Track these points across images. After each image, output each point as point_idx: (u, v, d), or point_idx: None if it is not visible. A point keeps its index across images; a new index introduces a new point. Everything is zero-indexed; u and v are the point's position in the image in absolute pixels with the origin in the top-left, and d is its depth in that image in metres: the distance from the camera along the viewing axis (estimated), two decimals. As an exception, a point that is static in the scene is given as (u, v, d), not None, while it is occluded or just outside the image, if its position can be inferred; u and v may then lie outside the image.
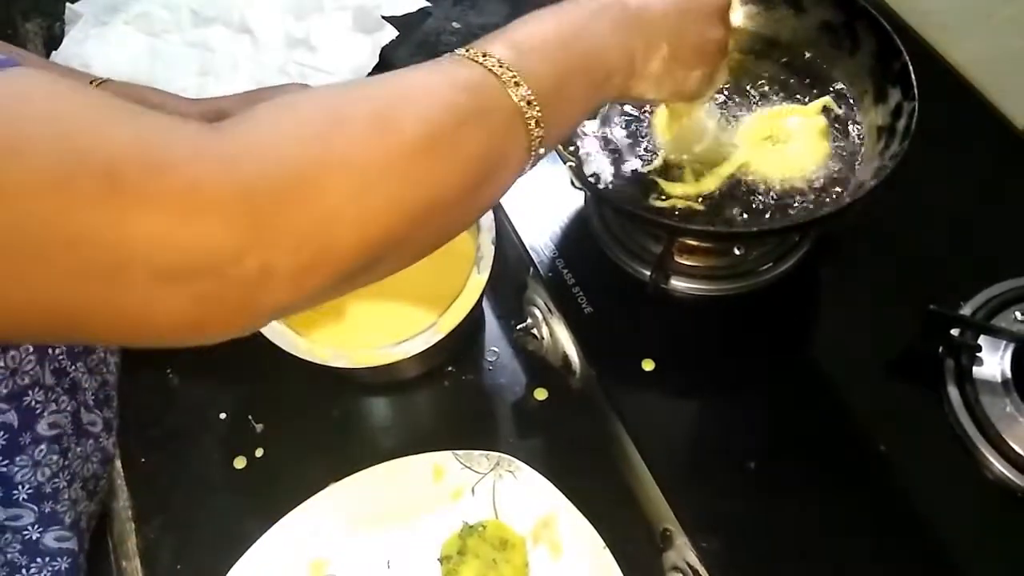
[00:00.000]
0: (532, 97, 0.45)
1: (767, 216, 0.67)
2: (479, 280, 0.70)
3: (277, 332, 0.68)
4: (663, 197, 0.68)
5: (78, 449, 0.65)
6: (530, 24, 0.49)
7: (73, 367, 0.61)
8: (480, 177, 0.43)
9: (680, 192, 0.68)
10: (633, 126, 0.73)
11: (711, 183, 0.68)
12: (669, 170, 0.70)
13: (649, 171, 0.69)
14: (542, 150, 0.47)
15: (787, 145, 0.70)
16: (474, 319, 0.77)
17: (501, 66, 0.45)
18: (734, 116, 0.72)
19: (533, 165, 0.48)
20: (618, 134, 0.72)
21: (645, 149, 0.71)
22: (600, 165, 0.70)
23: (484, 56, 0.45)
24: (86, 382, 0.63)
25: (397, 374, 0.75)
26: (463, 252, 0.72)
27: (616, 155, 0.71)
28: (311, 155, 0.37)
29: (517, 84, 0.44)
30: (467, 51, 0.46)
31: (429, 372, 0.77)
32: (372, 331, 0.71)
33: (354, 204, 0.37)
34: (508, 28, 0.48)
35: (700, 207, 0.67)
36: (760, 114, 0.72)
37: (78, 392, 0.65)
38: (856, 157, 0.70)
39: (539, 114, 0.45)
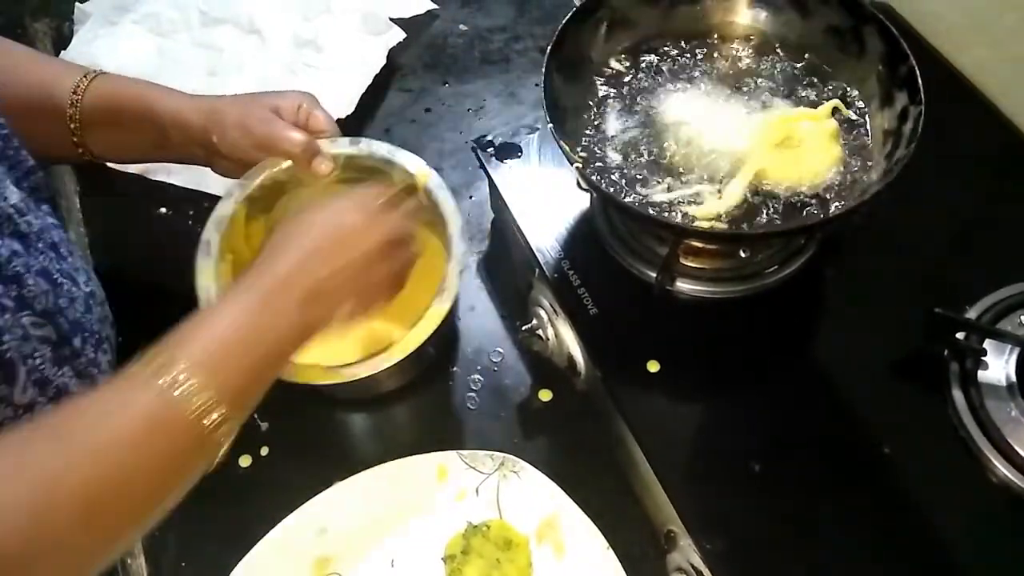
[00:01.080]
0: (218, 409, 0.50)
1: (779, 221, 0.67)
2: (439, 310, 0.68)
3: None
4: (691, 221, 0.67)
5: None
6: (207, 330, 0.53)
7: (59, 373, 0.61)
8: (157, 491, 0.50)
9: (707, 213, 0.67)
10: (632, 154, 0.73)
11: (733, 197, 0.68)
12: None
13: (666, 201, 0.68)
14: (222, 437, 0.52)
15: (799, 150, 0.70)
16: (445, 339, 0.77)
17: (189, 393, 0.49)
18: (742, 122, 0.72)
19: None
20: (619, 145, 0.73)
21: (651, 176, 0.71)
22: (609, 163, 0.71)
23: (172, 382, 0.49)
24: (74, 387, 0.62)
25: (373, 389, 0.75)
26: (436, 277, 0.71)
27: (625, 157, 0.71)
28: None
29: (208, 409, 0.50)
30: (153, 366, 0.50)
31: (431, 374, 0.77)
32: (340, 347, 0.71)
33: None
34: (189, 335, 0.53)
35: (724, 224, 0.67)
36: (768, 118, 0.72)
37: (63, 399, 0.63)
38: (863, 160, 0.70)
39: (223, 414, 0.50)
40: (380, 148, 0.75)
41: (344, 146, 0.74)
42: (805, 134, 0.70)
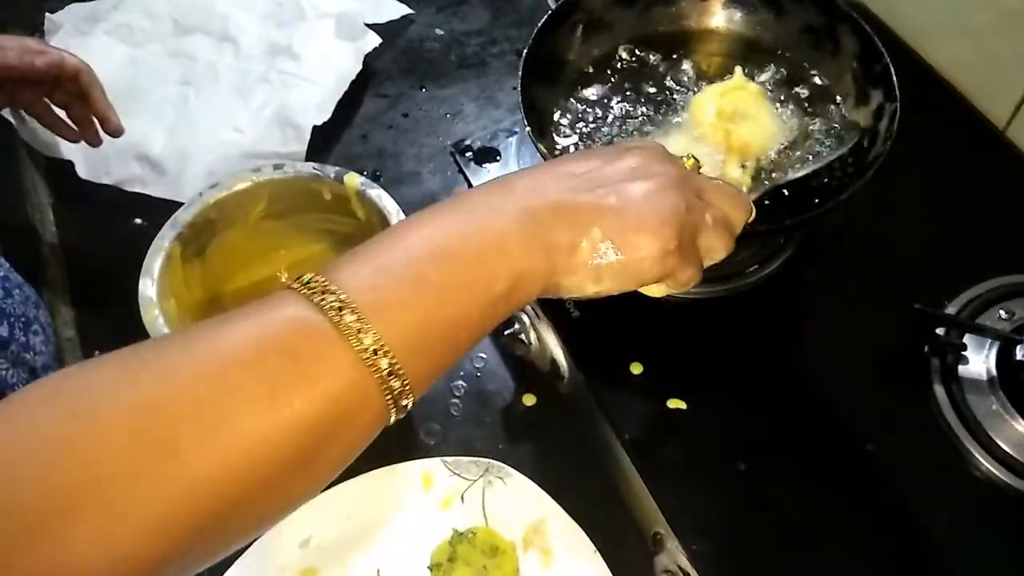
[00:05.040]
0: (383, 346, 0.36)
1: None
2: None
3: None
4: None
5: None
6: (393, 239, 0.40)
7: None
8: (304, 453, 0.35)
9: None
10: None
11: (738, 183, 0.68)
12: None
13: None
14: (407, 401, 0.38)
15: (745, 120, 0.70)
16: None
17: (342, 309, 0.36)
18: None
19: (403, 415, 0.39)
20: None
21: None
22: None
23: (323, 294, 0.36)
24: (12, 377, 0.61)
25: None
26: None
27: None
28: (50, 483, 0.31)
29: (360, 332, 0.35)
30: (306, 282, 0.38)
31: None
32: None
33: (108, 538, 0.31)
34: (366, 247, 0.40)
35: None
36: (695, 99, 0.73)
37: (5, 391, 0.62)
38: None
39: (395, 364, 0.36)
40: (305, 167, 0.73)
41: (268, 173, 0.73)
42: (743, 103, 0.71)
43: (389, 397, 0.37)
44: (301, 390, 0.34)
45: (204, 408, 0.33)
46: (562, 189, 0.42)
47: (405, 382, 0.37)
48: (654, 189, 0.43)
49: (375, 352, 0.36)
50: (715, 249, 0.46)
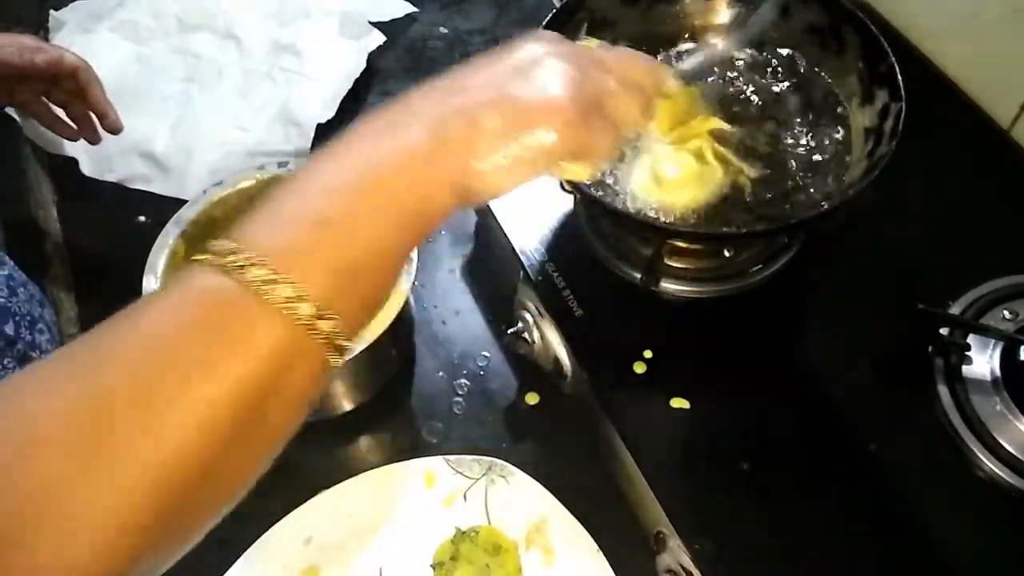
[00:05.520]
0: (301, 293, 0.35)
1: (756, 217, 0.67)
2: (393, 303, 0.66)
3: None
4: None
5: None
6: (292, 185, 0.39)
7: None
8: (252, 414, 0.35)
9: (677, 202, 0.67)
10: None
11: (701, 191, 0.68)
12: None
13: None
14: (345, 342, 0.37)
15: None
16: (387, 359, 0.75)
17: (251, 266, 0.35)
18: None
19: (348, 355, 0.38)
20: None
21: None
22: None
23: (229, 255, 0.35)
24: None
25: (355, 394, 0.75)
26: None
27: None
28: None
29: (274, 284, 0.35)
30: (213, 249, 0.36)
31: (417, 380, 0.76)
32: None
33: (71, 543, 0.30)
34: (268, 200, 0.39)
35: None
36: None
37: None
38: (844, 159, 0.70)
39: (319, 307, 0.35)
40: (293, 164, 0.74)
41: (272, 171, 0.73)
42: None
43: (324, 340, 0.36)
44: (231, 355, 0.34)
45: (139, 395, 0.32)
46: (452, 93, 0.42)
47: (335, 323, 0.36)
48: (545, 68, 0.42)
49: (294, 299, 0.35)
50: (628, 113, 0.45)
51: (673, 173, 0.67)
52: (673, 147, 0.68)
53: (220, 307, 0.35)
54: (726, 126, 0.70)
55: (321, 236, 0.37)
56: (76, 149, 0.90)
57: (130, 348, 0.34)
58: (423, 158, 0.39)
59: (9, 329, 0.62)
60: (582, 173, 0.44)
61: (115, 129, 0.82)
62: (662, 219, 0.66)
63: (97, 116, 0.82)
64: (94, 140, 0.85)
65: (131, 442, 0.32)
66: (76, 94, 0.80)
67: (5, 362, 0.60)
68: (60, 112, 0.83)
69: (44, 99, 0.81)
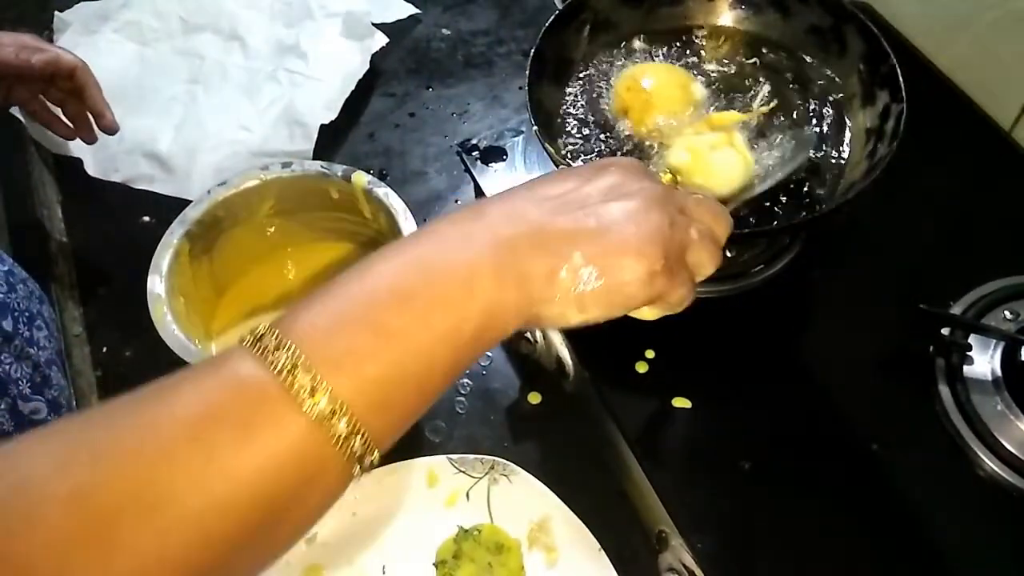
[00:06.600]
0: (341, 405, 0.33)
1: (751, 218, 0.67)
2: None
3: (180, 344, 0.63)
4: None
5: None
6: (354, 280, 0.37)
7: None
8: (261, 523, 0.33)
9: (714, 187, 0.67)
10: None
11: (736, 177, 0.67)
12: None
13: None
14: (372, 458, 0.35)
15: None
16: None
17: (295, 368, 0.33)
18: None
19: (370, 470, 0.36)
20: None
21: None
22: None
23: (276, 351, 0.33)
24: (16, 372, 0.61)
25: None
26: None
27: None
28: None
29: (314, 393, 0.33)
30: (259, 336, 0.34)
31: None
32: None
33: None
34: (326, 290, 0.36)
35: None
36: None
37: (9, 386, 0.63)
38: (844, 160, 0.70)
39: (355, 424, 0.34)
40: (312, 165, 0.73)
41: (276, 171, 0.73)
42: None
43: (351, 458, 0.34)
44: (251, 461, 0.32)
45: (144, 487, 0.31)
46: (537, 213, 0.40)
47: (367, 441, 0.34)
48: (635, 208, 0.40)
49: (332, 413, 0.33)
50: (703, 264, 0.44)
51: (713, 156, 0.67)
52: (701, 136, 0.68)
53: (251, 406, 0.33)
54: (745, 117, 0.71)
55: (375, 345, 0.35)
56: (81, 149, 0.90)
57: (148, 432, 0.32)
58: (499, 280, 0.37)
59: (7, 325, 0.62)
60: (648, 315, 0.44)
61: (111, 129, 0.83)
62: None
63: (94, 116, 0.82)
64: (90, 140, 0.85)
65: (127, 540, 0.30)
66: (73, 93, 0.81)
67: (2, 357, 0.60)
68: (57, 111, 0.83)
69: (41, 98, 0.82)
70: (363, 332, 0.35)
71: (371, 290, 0.36)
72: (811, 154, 0.69)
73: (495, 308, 0.37)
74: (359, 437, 0.34)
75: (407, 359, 0.35)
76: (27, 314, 0.65)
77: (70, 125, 0.84)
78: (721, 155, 0.67)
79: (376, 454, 0.35)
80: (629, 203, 0.41)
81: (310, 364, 0.33)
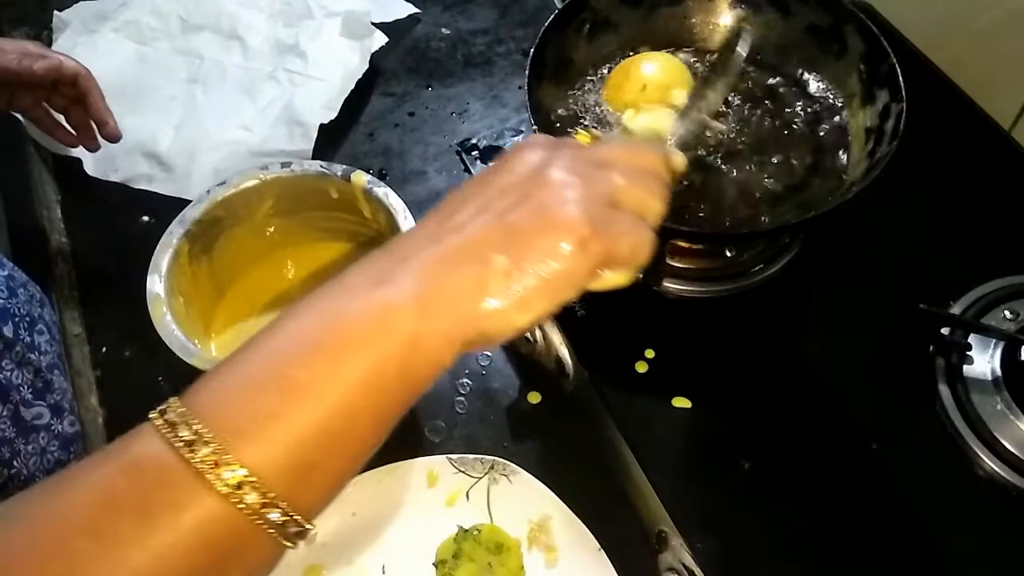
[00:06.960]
0: (247, 478, 0.31)
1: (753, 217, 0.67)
2: None
3: (177, 342, 0.62)
4: None
5: (28, 448, 0.64)
6: (263, 339, 0.35)
7: None
8: None
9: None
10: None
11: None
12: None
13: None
14: (298, 528, 0.33)
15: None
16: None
17: (194, 444, 0.31)
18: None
19: (304, 540, 0.34)
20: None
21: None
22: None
23: (176, 426, 0.32)
24: (17, 378, 0.62)
25: None
26: None
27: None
28: None
29: (218, 467, 0.31)
30: (162, 411, 0.33)
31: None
32: None
33: None
34: (235, 353, 0.34)
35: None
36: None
37: (11, 393, 0.63)
38: (844, 160, 0.70)
39: (268, 495, 0.31)
40: (312, 165, 0.73)
41: (276, 171, 0.73)
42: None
43: (271, 530, 0.32)
44: (153, 549, 0.30)
45: (49, 565, 0.29)
46: (445, 232, 0.37)
47: (287, 510, 0.32)
48: (540, 184, 0.38)
49: (239, 486, 0.31)
50: (644, 202, 0.40)
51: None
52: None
53: (152, 489, 0.31)
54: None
55: (283, 404, 0.32)
56: (80, 149, 0.90)
57: (49, 525, 0.30)
58: (411, 312, 0.35)
59: (8, 331, 0.62)
60: (623, 278, 0.40)
61: (114, 137, 0.82)
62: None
63: (96, 123, 0.82)
64: (93, 148, 0.85)
65: None
66: (75, 100, 0.81)
67: (3, 363, 0.60)
68: (60, 118, 0.83)
69: (44, 105, 0.82)
70: (267, 391, 0.33)
71: (276, 347, 0.34)
72: (810, 155, 0.68)
73: (419, 340, 0.35)
74: (275, 509, 0.32)
75: (321, 414, 0.33)
76: (28, 319, 0.65)
77: (73, 132, 0.84)
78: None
79: (304, 524, 0.33)
80: (533, 184, 0.39)
81: (212, 435, 0.31)
